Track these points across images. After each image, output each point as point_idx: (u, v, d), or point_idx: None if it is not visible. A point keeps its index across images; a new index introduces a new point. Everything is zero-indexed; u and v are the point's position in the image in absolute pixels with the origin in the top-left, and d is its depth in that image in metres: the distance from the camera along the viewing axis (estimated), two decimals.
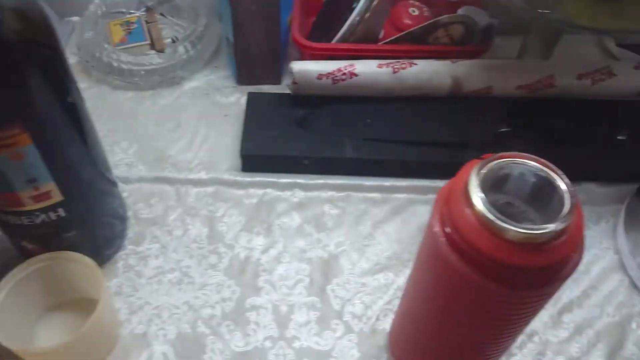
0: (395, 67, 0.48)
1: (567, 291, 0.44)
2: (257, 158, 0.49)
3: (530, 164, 0.27)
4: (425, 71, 0.48)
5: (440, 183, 0.50)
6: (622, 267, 0.46)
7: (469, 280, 0.26)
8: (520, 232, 0.24)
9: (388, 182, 0.50)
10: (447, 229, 0.26)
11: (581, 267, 0.45)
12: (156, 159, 0.51)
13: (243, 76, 0.56)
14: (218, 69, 0.59)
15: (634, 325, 0.43)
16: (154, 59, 0.55)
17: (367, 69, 0.48)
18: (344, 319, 0.42)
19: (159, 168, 0.50)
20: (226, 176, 0.50)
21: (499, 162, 0.26)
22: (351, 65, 0.48)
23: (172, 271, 0.44)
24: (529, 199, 0.28)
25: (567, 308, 0.43)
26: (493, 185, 0.28)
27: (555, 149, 0.49)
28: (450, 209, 0.26)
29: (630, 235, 0.45)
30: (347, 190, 0.49)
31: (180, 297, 0.43)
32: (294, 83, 0.49)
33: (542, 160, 0.26)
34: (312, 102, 0.51)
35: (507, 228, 0.24)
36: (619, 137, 0.50)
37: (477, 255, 0.25)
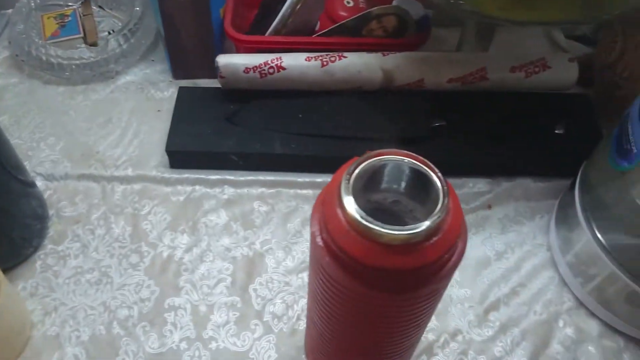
0: (324, 60, 0.47)
1: (495, 289, 0.43)
2: (183, 154, 0.48)
3: (407, 160, 0.25)
4: (355, 64, 0.47)
5: None
6: (554, 264, 0.45)
7: (342, 284, 0.25)
8: (384, 232, 0.23)
9: (320, 179, 0.49)
10: (323, 232, 0.25)
11: (512, 264, 0.45)
12: (83, 155, 0.50)
13: (178, 70, 0.55)
14: (155, 62, 0.58)
15: (560, 323, 0.42)
16: (84, 53, 0.53)
17: (294, 62, 0.47)
18: (264, 319, 0.41)
19: (85, 165, 0.49)
20: (154, 173, 0.49)
21: (374, 160, 0.25)
22: (278, 58, 0.47)
23: (91, 271, 0.43)
24: (415, 197, 0.27)
25: (494, 306, 0.42)
26: (375, 184, 0.27)
27: (491, 144, 0.49)
28: (325, 209, 0.25)
29: (560, 231, 0.44)
30: (277, 187, 0.48)
31: (98, 298, 0.42)
32: (221, 77, 0.48)
33: (419, 157, 0.25)
34: (242, 96, 0.50)
35: (372, 229, 0.23)
36: (556, 131, 0.49)
37: (347, 258, 0.24)
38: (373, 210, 0.27)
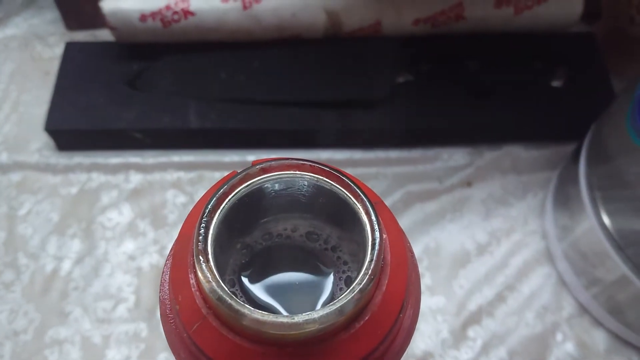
0: (246, 0, 0.35)
1: (476, 294, 0.34)
2: (70, 134, 0.36)
3: (307, 177, 0.15)
4: (289, 4, 0.35)
5: (323, 154, 0.38)
6: (550, 258, 0.35)
7: None
8: (261, 321, 0.12)
9: (252, 156, 0.38)
10: (174, 311, 0.15)
11: (497, 259, 0.35)
12: None
13: (71, 18, 0.43)
14: (44, 9, 0.45)
15: (559, 337, 0.33)
16: None
17: (206, 5, 0.35)
18: None
19: None
20: (36, 158, 0.38)
21: (253, 182, 0.15)
22: (184, 0, 0.35)
23: None
24: (337, 224, 0.17)
25: (475, 318, 0.33)
26: (272, 209, 0.16)
27: (471, 103, 0.38)
28: (174, 270, 0.15)
29: (559, 215, 0.34)
30: (199, 169, 0.38)
31: None
32: (111, 28, 0.36)
33: (326, 168, 0.15)
34: (148, 52, 0.38)
35: (239, 314, 0.12)
36: (553, 84, 0.38)
37: (203, 358, 0.14)
38: (275, 250, 0.17)
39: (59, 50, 0.42)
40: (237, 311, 0.13)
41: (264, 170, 0.15)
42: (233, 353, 0.13)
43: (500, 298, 0.34)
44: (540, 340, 0.33)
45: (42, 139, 0.38)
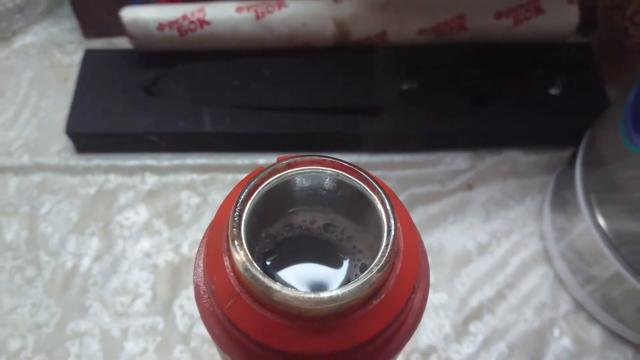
0: (259, 10, 0.37)
1: (477, 292, 0.35)
2: (89, 137, 0.38)
3: (329, 172, 0.17)
4: (299, 15, 0.37)
5: None
6: (548, 258, 0.37)
7: None
8: (288, 297, 0.14)
9: (263, 159, 0.40)
10: (209, 290, 0.16)
11: (497, 259, 0.37)
12: None
13: (88, 27, 0.44)
14: (62, 18, 0.47)
15: (556, 332, 0.34)
16: None
17: (221, 15, 0.36)
18: (192, 345, 0.33)
19: None
20: (56, 160, 0.39)
21: (282, 175, 0.16)
22: (200, 10, 0.37)
23: None
24: (353, 217, 0.18)
25: (476, 314, 0.35)
26: (294, 202, 0.18)
27: (472, 109, 0.40)
28: (209, 254, 0.16)
29: (555, 217, 0.36)
30: (212, 172, 0.39)
31: None
32: (131, 37, 0.37)
33: (348, 165, 0.16)
34: (164, 60, 0.40)
35: (270, 290, 0.14)
36: (550, 92, 0.40)
37: (241, 336, 0.15)
38: (295, 240, 0.19)
39: (77, 58, 0.44)
40: (269, 288, 0.14)
41: (290, 166, 0.16)
42: (264, 326, 0.15)
43: (500, 295, 0.35)
44: (538, 336, 0.34)
45: (62, 142, 0.40)
